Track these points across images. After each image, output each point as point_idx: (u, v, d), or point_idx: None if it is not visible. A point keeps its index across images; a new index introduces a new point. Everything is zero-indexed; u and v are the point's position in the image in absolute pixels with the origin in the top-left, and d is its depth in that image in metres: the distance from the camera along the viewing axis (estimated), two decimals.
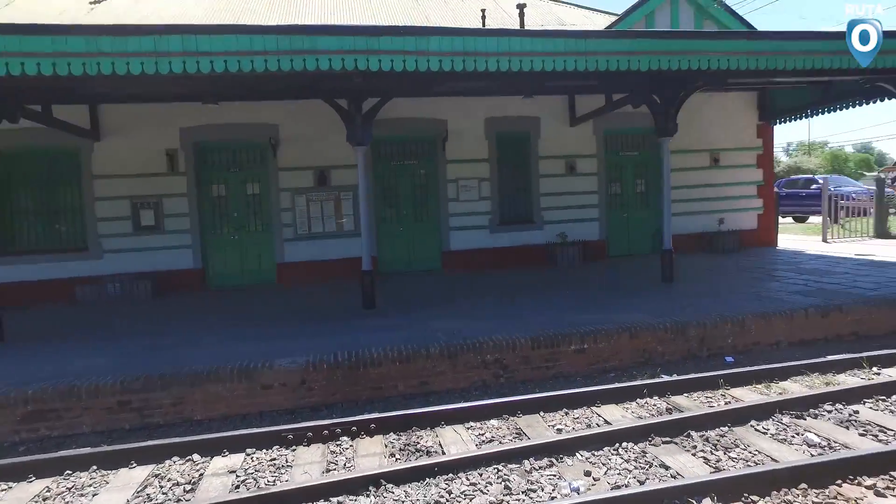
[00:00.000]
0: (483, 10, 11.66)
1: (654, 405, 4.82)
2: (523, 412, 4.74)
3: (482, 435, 4.40)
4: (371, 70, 5.95)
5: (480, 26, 11.62)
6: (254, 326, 6.95)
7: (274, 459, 4.15)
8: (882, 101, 9.97)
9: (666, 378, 5.26)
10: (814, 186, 19.46)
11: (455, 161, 11.13)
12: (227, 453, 4.23)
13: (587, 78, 7.38)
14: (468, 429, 4.51)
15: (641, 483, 3.48)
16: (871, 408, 4.52)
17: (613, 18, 13.87)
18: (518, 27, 11.79)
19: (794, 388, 5.02)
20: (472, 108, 10.96)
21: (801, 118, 12.19)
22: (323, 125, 10.24)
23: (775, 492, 3.28)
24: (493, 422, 4.63)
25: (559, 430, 4.42)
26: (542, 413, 4.75)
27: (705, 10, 12.09)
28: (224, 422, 5.07)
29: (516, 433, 4.41)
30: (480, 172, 11.28)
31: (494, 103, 11.02)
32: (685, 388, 5.06)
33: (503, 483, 3.55)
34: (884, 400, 4.64)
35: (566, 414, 4.75)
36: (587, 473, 3.65)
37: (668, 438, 4.08)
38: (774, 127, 12.84)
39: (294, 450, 4.30)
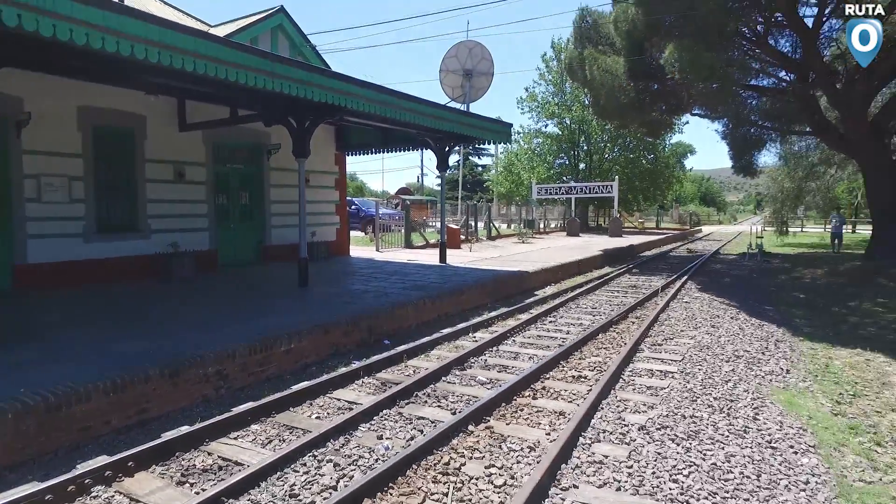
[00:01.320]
0: None
1: (371, 382, 5.85)
2: (276, 411, 4.95)
3: (256, 439, 4.44)
4: (26, 30, 4.70)
5: None
6: None
7: None
8: (426, 150, 13.90)
9: (359, 363, 6.31)
10: (352, 207, 24.04)
11: (36, 152, 8.93)
12: None
13: (270, 97, 7.67)
14: (237, 438, 4.44)
15: (422, 432, 4.52)
16: (489, 358, 6.88)
17: (203, 25, 13.85)
18: None
19: (444, 353, 6.99)
20: (60, 91, 9.08)
21: (367, 153, 15.33)
22: None
23: (506, 405, 4.93)
24: (255, 426, 4.68)
25: (318, 418, 4.92)
26: (291, 408, 5.08)
27: (298, 47, 13.75)
28: None
29: (288, 429, 4.65)
30: (72, 170, 9.41)
31: (91, 90, 9.44)
32: (383, 366, 6.31)
33: (331, 463, 3.93)
34: (493, 350, 7.12)
35: (311, 404, 5.23)
36: (380, 437, 4.42)
37: (408, 401, 5.23)
38: (347, 157, 15.65)
39: None
